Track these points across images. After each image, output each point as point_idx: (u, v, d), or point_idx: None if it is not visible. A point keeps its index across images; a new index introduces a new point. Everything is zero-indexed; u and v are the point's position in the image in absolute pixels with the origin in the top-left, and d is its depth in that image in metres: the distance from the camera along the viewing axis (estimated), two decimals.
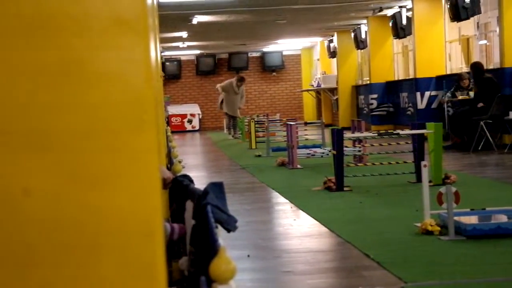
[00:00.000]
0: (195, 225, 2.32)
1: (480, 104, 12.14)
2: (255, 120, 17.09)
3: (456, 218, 5.28)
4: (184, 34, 20.20)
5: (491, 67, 15.02)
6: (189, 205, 2.60)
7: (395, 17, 17.17)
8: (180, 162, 5.39)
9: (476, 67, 12.60)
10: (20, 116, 1.32)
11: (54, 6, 1.32)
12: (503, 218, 5.61)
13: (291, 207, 7.23)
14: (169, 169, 4.50)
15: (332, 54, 23.80)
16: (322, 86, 24.50)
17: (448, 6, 13.88)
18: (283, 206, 7.42)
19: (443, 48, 16.24)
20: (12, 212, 1.32)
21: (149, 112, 1.34)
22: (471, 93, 13.00)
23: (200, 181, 6.12)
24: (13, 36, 1.31)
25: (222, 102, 20.85)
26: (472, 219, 5.58)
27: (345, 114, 22.01)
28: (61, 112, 1.32)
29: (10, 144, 1.31)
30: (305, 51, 28.40)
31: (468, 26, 16.34)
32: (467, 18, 13.68)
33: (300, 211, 6.93)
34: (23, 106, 1.32)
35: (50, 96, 1.32)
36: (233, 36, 21.90)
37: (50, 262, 1.33)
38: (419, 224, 5.44)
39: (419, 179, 7.23)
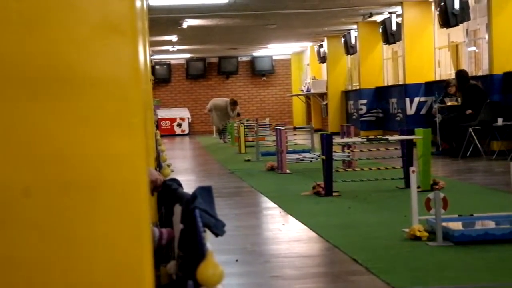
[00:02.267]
0: (183, 229, 2.31)
1: (469, 111, 12.19)
2: (245, 124, 17.08)
3: (444, 224, 5.29)
4: (174, 37, 20.18)
5: (480, 73, 15.08)
6: (177, 209, 2.59)
7: (385, 23, 17.23)
8: (169, 166, 5.37)
9: (460, 75, 12.71)
10: (5, 120, 1.31)
11: (42, 7, 1.31)
12: (491, 224, 5.62)
13: (280, 212, 7.22)
14: None
15: (322, 59, 23.84)
16: (312, 91, 24.53)
17: (438, 12, 13.93)
18: (272, 210, 7.41)
19: (432, 54, 16.30)
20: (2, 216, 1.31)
21: (137, 115, 1.34)
22: (460, 99, 13.05)
23: (189, 185, 6.09)
24: (1, 40, 1.30)
25: (211, 110, 20.82)
26: (460, 225, 5.60)
27: (335, 119, 22.03)
28: (49, 115, 1.32)
29: None
30: (295, 56, 28.43)
31: (457, 33, 16.40)
32: (457, 24, 13.74)
33: (289, 216, 6.92)
34: (9, 110, 1.31)
35: (37, 100, 1.31)
36: (223, 40, 21.89)
37: (38, 265, 1.32)
38: (407, 230, 5.45)
39: (407, 184, 7.23)
